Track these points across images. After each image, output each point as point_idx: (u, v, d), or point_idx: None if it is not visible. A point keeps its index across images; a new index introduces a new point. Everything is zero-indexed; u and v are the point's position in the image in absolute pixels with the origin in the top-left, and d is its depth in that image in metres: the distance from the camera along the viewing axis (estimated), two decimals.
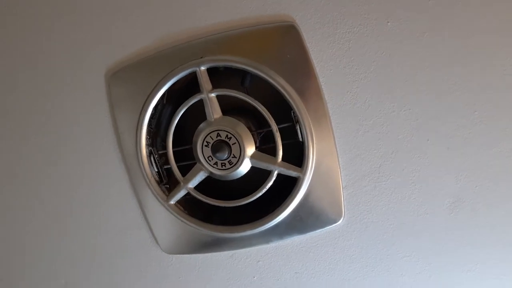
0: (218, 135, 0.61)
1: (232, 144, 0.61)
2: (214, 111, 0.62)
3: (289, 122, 0.62)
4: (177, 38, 0.62)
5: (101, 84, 0.65)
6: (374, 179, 0.61)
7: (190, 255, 0.69)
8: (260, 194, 0.62)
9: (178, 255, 0.70)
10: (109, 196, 0.70)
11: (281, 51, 0.60)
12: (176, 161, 0.66)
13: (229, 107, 0.64)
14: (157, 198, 0.67)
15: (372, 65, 0.58)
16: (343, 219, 0.63)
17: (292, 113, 0.61)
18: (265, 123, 0.61)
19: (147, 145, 0.66)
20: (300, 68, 0.60)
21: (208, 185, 0.66)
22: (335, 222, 0.63)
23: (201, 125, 0.63)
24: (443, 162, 0.59)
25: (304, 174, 0.61)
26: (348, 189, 0.62)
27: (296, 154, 0.62)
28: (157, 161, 0.67)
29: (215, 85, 0.62)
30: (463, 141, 0.58)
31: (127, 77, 0.64)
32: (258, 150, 0.62)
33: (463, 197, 0.60)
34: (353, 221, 0.63)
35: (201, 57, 0.61)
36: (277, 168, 0.61)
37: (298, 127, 0.61)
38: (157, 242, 0.70)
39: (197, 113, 0.63)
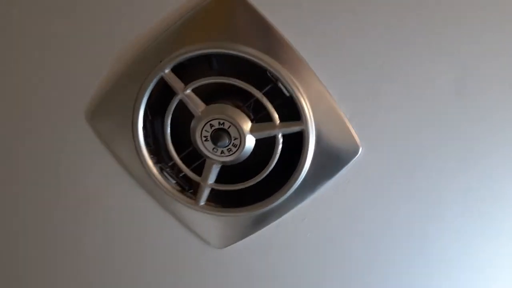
0: (211, 125, 0.61)
1: (228, 128, 0.61)
2: (197, 105, 0.61)
3: (270, 83, 0.60)
4: (130, 53, 0.61)
5: (89, 132, 0.66)
6: (374, 98, 0.59)
7: (241, 241, 0.71)
8: (275, 161, 0.62)
9: (230, 246, 0.72)
10: (150, 225, 0.73)
11: (231, 21, 0.58)
12: (188, 165, 0.67)
13: (209, 95, 0.63)
14: (187, 206, 0.68)
15: None
16: (362, 149, 0.62)
17: (268, 74, 0.59)
18: (249, 95, 0.60)
19: (155, 163, 0.67)
20: (256, 29, 0.58)
21: (228, 172, 0.67)
22: (356, 154, 0.62)
23: (192, 123, 0.63)
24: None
25: (306, 123, 0.60)
26: (354, 118, 0.61)
27: (292, 111, 0.61)
28: (170, 174, 0.68)
29: (187, 80, 0.61)
30: None
31: (105, 110, 0.65)
32: (255, 122, 0.62)
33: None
34: (372, 147, 0.62)
35: (160, 61, 0.60)
36: (279, 130, 0.60)
37: (280, 84, 0.59)
38: (208, 243, 0.72)
39: (186, 112, 0.62)
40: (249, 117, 0.62)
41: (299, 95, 0.59)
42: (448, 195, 0.63)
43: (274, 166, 0.63)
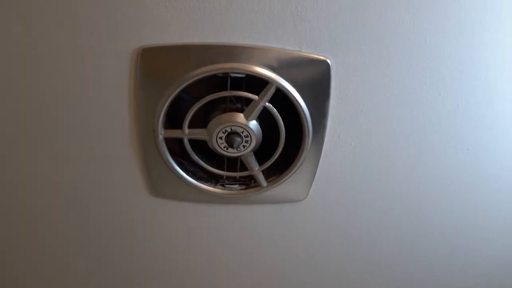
0: (220, 137, 0.73)
1: (232, 130, 0.72)
2: (200, 133, 0.74)
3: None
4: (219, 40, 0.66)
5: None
6: None
7: (313, 184, 0.83)
8: (282, 124, 0.72)
9: (308, 193, 0.84)
10: (254, 217, 0.89)
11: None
12: (234, 170, 0.80)
13: (204, 115, 0.75)
14: (260, 192, 0.82)
15: None
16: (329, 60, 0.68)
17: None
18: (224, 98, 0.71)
19: (216, 185, 0.82)
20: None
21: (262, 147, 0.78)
22: (329, 68, 0.69)
23: (209, 144, 0.75)
24: None
25: (275, 81, 0.68)
26: (303, 47, 0.67)
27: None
28: (231, 184, 0.83)
29: (179, 120, 0.73)
30: None
31: (158, 180, 0.80)
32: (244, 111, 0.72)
33: None
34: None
35: (153, 130, 0.73)
36: (262, 102, 0.69)
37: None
38: (294, 201, 0.85)
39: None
40: (238, 110, 0.73)
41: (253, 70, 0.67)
42: None
43: (286, 123, 0.73)
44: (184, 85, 0.68)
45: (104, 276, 0.94)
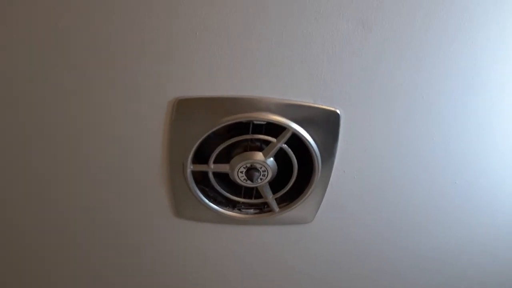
0: (241, 172, 0.84)
1: (251, 166, 0.83)
2: (223, 167, 0.84)
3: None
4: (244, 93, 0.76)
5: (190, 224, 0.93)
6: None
7: (319, 208, 0.94)
8: (295, 161, 0.83)
9: (316, 216, 0.95)
10: (264, 239, 1.00)
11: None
12: (250, 196, 0.91)
13: (227, 152, 0.85)
14: (273, 216, 0.93)
15: None
16: (339, 111, 0.79)
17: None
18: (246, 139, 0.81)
19: (233, 210, 0.93)
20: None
21: (277, 179, 0.89)
22: (338, 117, 0.79)
23: (231, 176, 0.85)
24: None
25: (291, 128, 0.79)
26: (317, 99, 0.77)
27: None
28: (246, 208, 0.93)
29: (207, 156, 0.84)
30: None
31: (187, 208, 0.91)
32: (263, 150, 0.83)
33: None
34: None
35: (183, 164, 0.84)
36: (279, 144, 0.80)
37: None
38: (303, 222, 0.97)
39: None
40: (257, 147, 0.83)
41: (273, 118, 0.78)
42: None
43: (298, 157, 0.84)
44: (213, 130, 0.78)
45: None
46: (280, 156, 0.84)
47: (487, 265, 1.07)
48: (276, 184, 0.89)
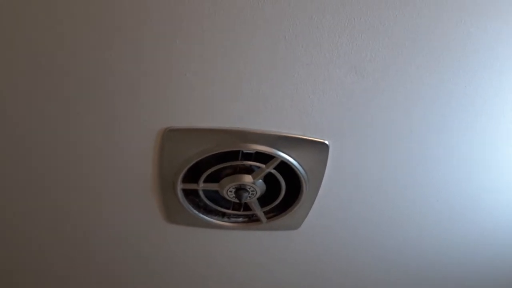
0: (230, 191, 0.86)
1: (241, 187, 0.85)
2: (212, 186, 0.86)
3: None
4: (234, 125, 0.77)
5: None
6: None
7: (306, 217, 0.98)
8: (283, 183, 0.85)
9: (303, 223, 0.99)
10: (251, 243, 1.04)
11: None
12: (240, 207, 0.94)
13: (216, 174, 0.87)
14: (260, 226, 0.97)
15: None
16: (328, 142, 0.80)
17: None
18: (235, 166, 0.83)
19: (221, 219, 0.96)
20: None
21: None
22: (327, 149, 0.80)
23: (220, 193, 0.88)
24: None
25: (279, 156, 0.80)
26: (308, 131, 0.78)
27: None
28: (235, 217, 0.97)
29: (197, 176, 0.85)
30: None
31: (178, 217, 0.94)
32: (252, 172, 0.84)
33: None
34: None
35: (173, 182, 0.85)
36: (268, 169, 0.82)
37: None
38: (290, 229, 1.01)
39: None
40: (247, 170, 0.85)
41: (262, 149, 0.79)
42: None
43: (288, 178, 0.86)
44: (202, 157, 0.79)
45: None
46: (269, 175, 0.86)
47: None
48: (265, 196, 0.92)
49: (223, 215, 0.98)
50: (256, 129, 0.76)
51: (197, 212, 0.94)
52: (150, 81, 0.69)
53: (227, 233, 1.02)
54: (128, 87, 0.70)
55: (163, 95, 0.71)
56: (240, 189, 0.86)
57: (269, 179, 0.87)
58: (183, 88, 0.70)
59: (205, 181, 0.86)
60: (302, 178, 0.85)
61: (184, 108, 0.73)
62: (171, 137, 0.77)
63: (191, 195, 0.93)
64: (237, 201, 0.88)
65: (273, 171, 0.83)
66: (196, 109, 0.73)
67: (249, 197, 0.88)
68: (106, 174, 0.86)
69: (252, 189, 0.86)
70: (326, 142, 0.79)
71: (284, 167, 0.83)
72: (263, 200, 0.92)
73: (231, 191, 0.87)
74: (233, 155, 0.82)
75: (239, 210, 0.95)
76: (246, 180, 0.84)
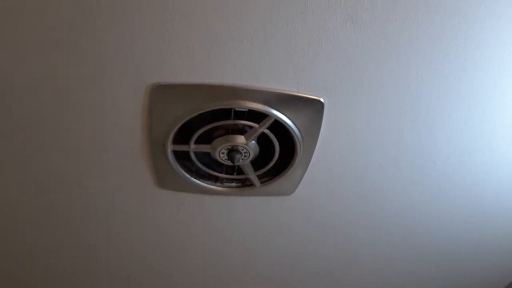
0: (223, 153, 0.84)
1: (233, 148, 0.83)
2: (204, 147, 0.84)
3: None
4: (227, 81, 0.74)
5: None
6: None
7: (300, 182, 0.96)
8: (277, 143, 0.82)
9: (296, 189, 0.97)
10: (246, 208, 1.03)
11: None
12: (233, 172, 0.92)
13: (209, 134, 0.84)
14: (255, 190, 0.95)
15: None
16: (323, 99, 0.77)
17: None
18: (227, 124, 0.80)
19: (215, 183, 0.94)
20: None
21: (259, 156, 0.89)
22: (323, 107, 0.78)
23: (212, 155, 0.85)
24: None
25: (273, 114, 0.77)
26: (300, 86, 0.75)
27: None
28: (229, 181, 0.95)
29: (188, 137, 0.83)
30: None
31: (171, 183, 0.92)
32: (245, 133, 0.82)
33: None
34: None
35: (163, 144, 0.83)
36: (261, 129, 0.79)
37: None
38: (283, 195, 0.99)
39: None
40: (240, 128, 0.82)
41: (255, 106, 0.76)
42: None
43: (282, 140, 0.83)
44: (192, 116, 0.76)
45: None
46: (263, 137, 0.83)
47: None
48: (258, 159, 0.90)
49: (216, 179, 0.95)
50: (248, 85, 0.73)
51: (189, 176, 0.91)
52: (135, 32, 0.65)
53: (220, 199, 1.00)
54: (114, 41, 0.66)
55: (149, 48, 0.68)
56: (232, 151, 0.83)
57: (262, 141, 0.85)
58: (170, 40, 0.66)
59: (196, 142, 0.83)
60: (296, 139, 0.82)
61: (172, 62, 0.70)
62: (160, 94, 0.74)
63: (182, 159, 0.90)
64: (230, 163, 0.86)
65: (266, 131, 0.80)
66: (184, 63, 0.70)
67: (242, 159, 0.85)
68: (93, 137, 0.83)
69: (245, 150, 0.83)
70: (321, 99, 0.77)
71: (277, 128, 0.81)
72: (257, 164, 0.90)
73: (223, 153, 0.84)
74: (225, 114, 0.79)
75: (232, 174, 0.93)
76: (239, 141, 0.82)
